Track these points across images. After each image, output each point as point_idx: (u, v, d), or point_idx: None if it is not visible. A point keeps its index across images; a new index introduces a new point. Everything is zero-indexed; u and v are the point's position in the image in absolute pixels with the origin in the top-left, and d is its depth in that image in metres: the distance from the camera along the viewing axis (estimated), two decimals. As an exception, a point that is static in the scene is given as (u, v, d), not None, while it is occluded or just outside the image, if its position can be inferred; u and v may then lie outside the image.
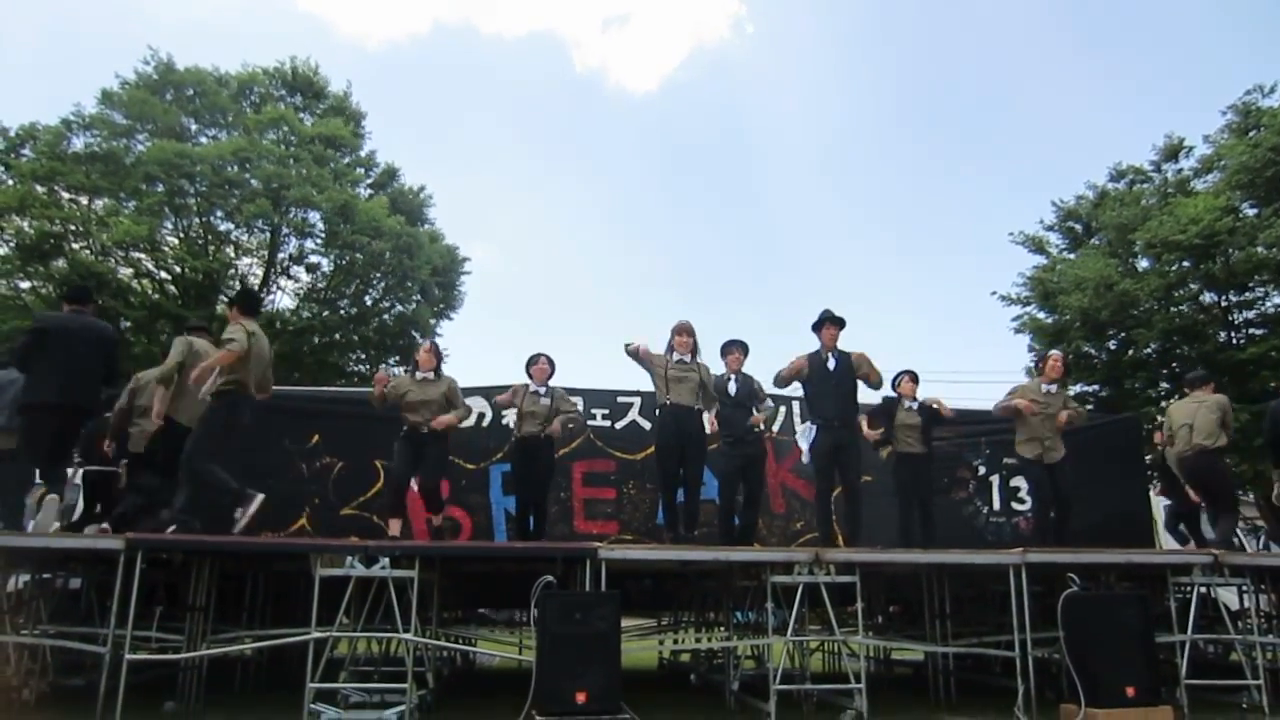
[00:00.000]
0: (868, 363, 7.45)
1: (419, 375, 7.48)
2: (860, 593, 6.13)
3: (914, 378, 8.46)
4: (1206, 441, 7.86)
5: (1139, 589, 6.72)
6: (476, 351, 56.37)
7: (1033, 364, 19.47)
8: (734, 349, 7.81)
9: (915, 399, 8.33)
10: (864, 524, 7.38)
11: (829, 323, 7.51)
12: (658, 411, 7.61)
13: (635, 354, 7.38)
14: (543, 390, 7.95)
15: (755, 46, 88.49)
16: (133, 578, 5.43)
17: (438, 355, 7.64)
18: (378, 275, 20.28)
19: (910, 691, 8.03)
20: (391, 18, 67.09)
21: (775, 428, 9.91)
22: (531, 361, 8.06)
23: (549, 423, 7.83)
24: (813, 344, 7.66)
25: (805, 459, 7.57)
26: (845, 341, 7.65)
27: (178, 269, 18.71)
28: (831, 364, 7.44)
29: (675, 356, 7.41)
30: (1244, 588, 7.16)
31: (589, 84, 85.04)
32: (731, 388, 7.64)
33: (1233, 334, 17.54)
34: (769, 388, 7.82)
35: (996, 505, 9.51)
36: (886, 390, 8.20)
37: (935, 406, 8.32)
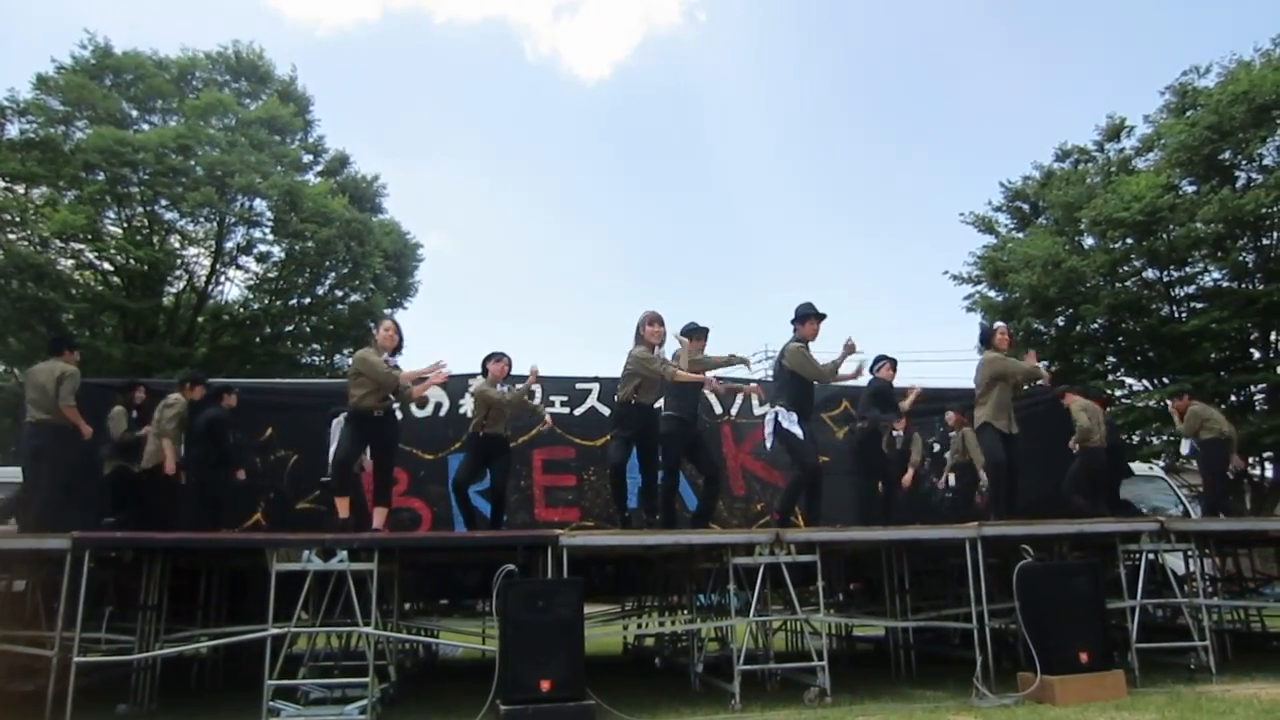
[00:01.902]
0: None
1: (382, 355, 6.89)
2: (821, 571, 6.17)
3: (893, 364, 8.61)
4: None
5: (1090, 558, 6.85)
6: (431, 341, 55.76)
7: (979, 341, 19.74)
8: (696, 334, 7.66)
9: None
10: (822, 504, 7.39)
11: (812, 318, 7.27)
12: (631, 402, 7.27)
13: (671, 376, 7.11)
14: (506, 389, 7.79)
15: (708, 33, 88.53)
16: (80, 577, 5.27)
17: (400, 334, 6.98)
18: (330, 264, 19.95)
19: (872, 667, 8.13)
20: (341, 3, 65.79)
21: (734, 411, 9.93)
22: (492, 359, 7.86)
23: (510, 420, 7.72)
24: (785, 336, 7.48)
25: (769, 445, 7.49)
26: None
27: (121, 259, 18.23)
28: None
29: (656, 352, 7.21)
30: (1189, 553, 7.35)
31: (541, 71, 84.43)
32: (713, 387, 7.61)
33: (1175, 308, 18.02)
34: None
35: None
36: (866, 375, 8.25)
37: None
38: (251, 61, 20.98)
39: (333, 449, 7.83)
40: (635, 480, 7.63)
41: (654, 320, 7.29)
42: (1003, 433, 7.29)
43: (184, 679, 7.21)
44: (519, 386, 7.87)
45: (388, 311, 21.15)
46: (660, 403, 7.39)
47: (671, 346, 7.61)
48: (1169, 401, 8.69)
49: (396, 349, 6.90)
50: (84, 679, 5.31)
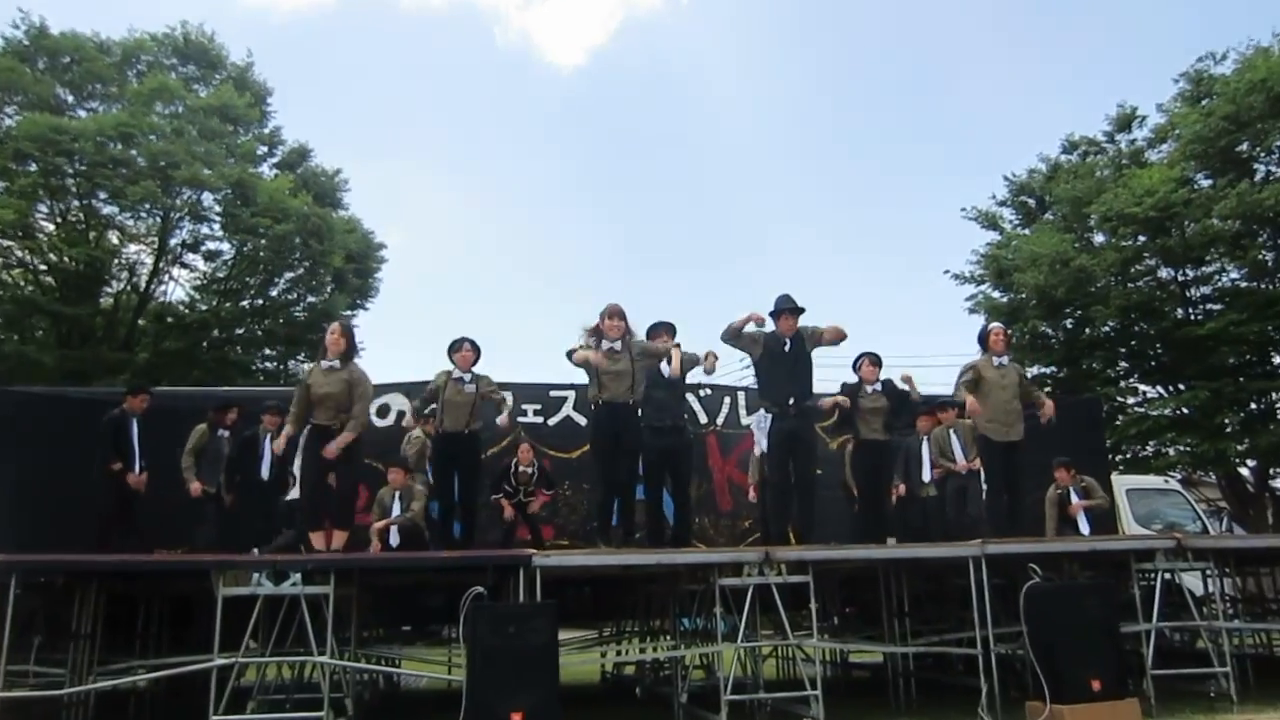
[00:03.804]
0: (815, 328, 7.40)
1: (324, 364, 6.75)
2: (814, 593, 6.16)
3: (875, 360, 8.44)
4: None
5: (1103, 578, 6.88)
6: (394, 345, 55.51)
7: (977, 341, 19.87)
8: (661, 331, 7.71)
9: (878, 382, 8.34)
10: (815, 520, 7.40)
11: (787, 313, 7.37)
12: (592, 407, 7.43)
13: (585, 364, 7.21)
14: (467, 378, 7.82)
15: (690, 17, 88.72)
16: (5, 605, 5.19)
17: (348, 338, 6.82)
18: (285, 263, 19.81)
19: (869, 696, 8.12)
20: (296, -17, 65.45)
21: (720, 420, 9.93)
22: (454, 347, 7.91)
23: (473, 417, 7.70)
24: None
25: (758, 451, 7.52)
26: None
27: (54, 258, 18.03)
28: (788, 345, 7.35)
29: (605, 345, 7.16)
30: (1208, 572, 7.39)
31: (513, 59, 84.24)
32: (664, 368, 7.52)
33: (1190, 309, 18.18)
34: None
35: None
36: (847, 375, 8.27)
37: (905, 388, 8.42)
38: (202, 45, 20.79)
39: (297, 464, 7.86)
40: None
41: (612, 314, 7.21)
42: (996, 442, 7.43)
43: (121, 715, 7.10)
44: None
45: (348, 314, 21.08)
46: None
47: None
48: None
49: (346, 354, 6.76)
50: (9, 715, 5.22)
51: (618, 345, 7.15)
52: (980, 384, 7.59)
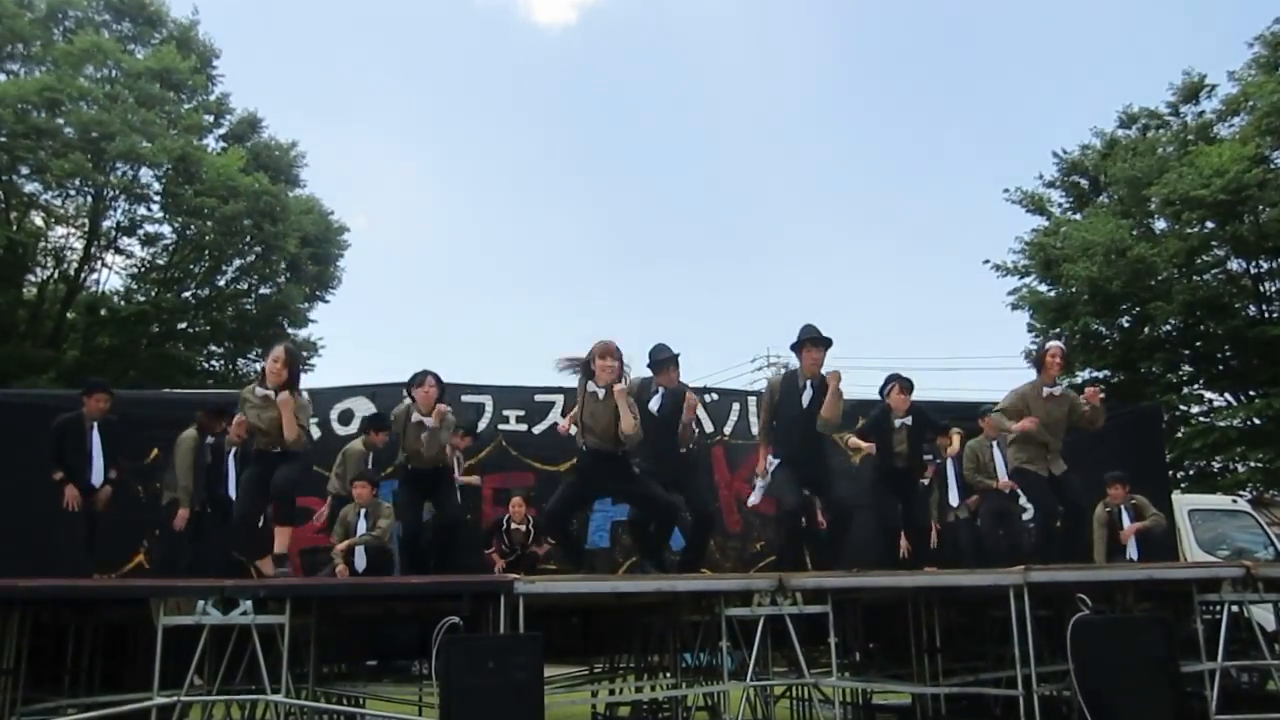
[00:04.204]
0: (836, 383, 7.18)
1: (259, 391, 6.97)
2: (833, 625, 6.21)
3: (905, 386, 8.25)
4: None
5: (1160, 610, 6.92)
6: (357, 342, 55.52)
7: (1031, 347, 20.06)
8: (667, 366, 7.62)
9: (908, 416, 8.12)
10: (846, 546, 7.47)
11: (810, 344, 7.24)
12: (580, 447, 7.25)
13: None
14: (429, 421, 7.67)
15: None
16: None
17: (290, 369, 6.95)
18: (234, 248, 19.86)
19: (895, 742, 8.16)
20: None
21: (727, 429, 9.98)
22: (415, 381, 7.79)
23: (439, 457, 7.78)
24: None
25: (753, 500, 7.65)
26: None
27: (-30, 241, 18.05)
28: (807, 396, 7.23)
29: (590, 387, 6.93)
30: (1280, 605, 7.44)
31: (493, 19, 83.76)
32: (654, 404, 7.48)
33: (1264, 307, 18.21)
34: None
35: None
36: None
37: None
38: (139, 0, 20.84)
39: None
40: (608, 514, 7.64)
41: (604, 353, 6.91)
42: (1040, 475, 7.52)
43: (47, 760, 7.13)
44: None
45: (304, 306, 21.07)
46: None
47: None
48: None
49: (285, 385, 6.84)
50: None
51: (600, 393, 6.91)
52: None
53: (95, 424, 8.02)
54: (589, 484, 7.24)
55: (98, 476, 7.95)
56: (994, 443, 8.53)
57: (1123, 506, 8.58)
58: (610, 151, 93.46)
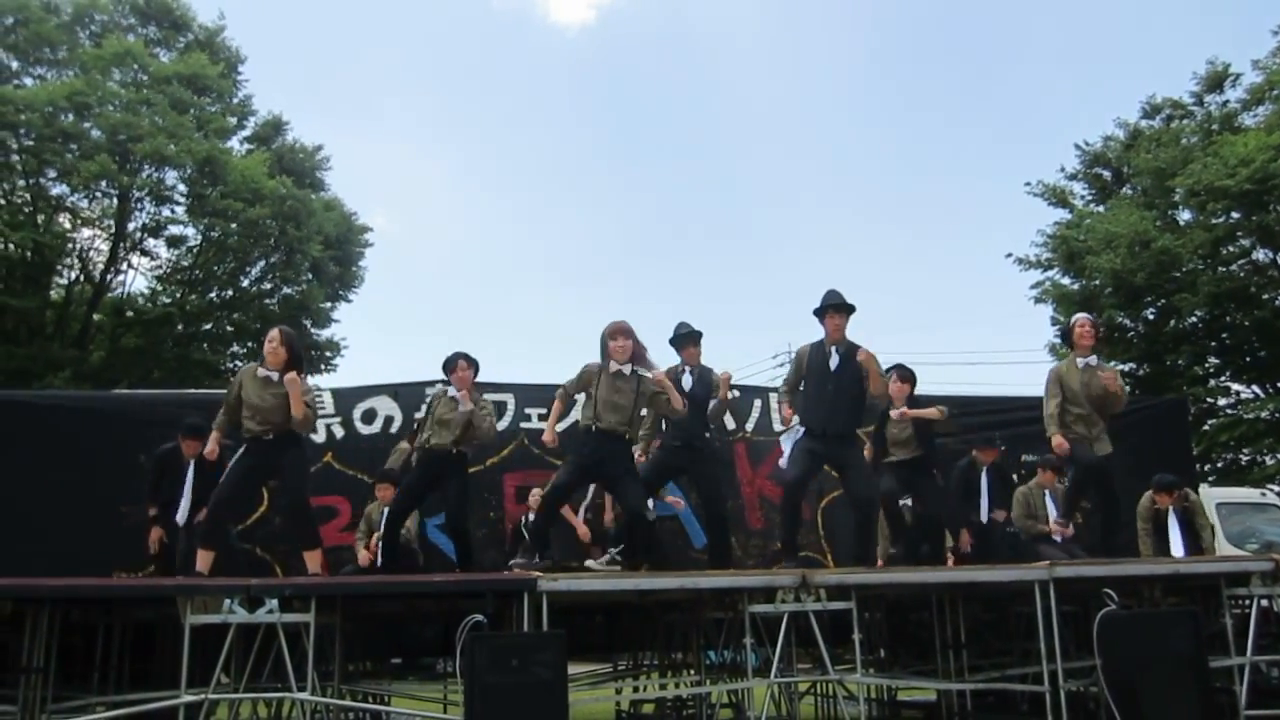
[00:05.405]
0: (875, 363, 7.21)
1: (261, 372, 6.79)
2: (858, 622, 6.18)
3: (905, 376, 8.12)
4: None
5: (1188, 604, 6.86)
6: (379, 341, 55.77)
7: (1056, 338, 19.95)
8: (689, 343, 7.77)
9: (903, 407, 7.99)
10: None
11: (832, 310, 7.21)
12: (580, 429, 7.31)
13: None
14: (462, 396, 7.74)
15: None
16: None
17: (289, 349, 6.84)
18: (258, 250, 19.96)
19: (920, 738, 8.13)
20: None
21: (750, 426, 9.95)
22: (449, 366, 7.85)
23: (463, 437, 7.67)
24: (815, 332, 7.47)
25: (783, 462, 7.51)
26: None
27: (-3, 243, 18.24)
28: (834, 361, 7.18)
29: (613, 367, 6.96)
30: (1313, 599, 7.34)
31: (511, 20, 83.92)
32: (686, 381, 7.54)
33: (1293, 298, 18.03)
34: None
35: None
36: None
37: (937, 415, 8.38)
38: (165, 4, 20.96)
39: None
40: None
41: (615, 333, 6.98)
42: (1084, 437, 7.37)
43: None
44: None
45: (327, 305, 21.15)
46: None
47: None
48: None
49: (287, 366, 6.74)
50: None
51: (626, 369, 6.97)
52: (1065, 398, 7.44)
53: (192, 462, 7.78)
54: (589, 466, 7.13)
55: (183, 514, 7.76)
56: (1046, 490, 8.47)
57: (1171, 508, 8.52)
58: (628, 149, 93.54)
